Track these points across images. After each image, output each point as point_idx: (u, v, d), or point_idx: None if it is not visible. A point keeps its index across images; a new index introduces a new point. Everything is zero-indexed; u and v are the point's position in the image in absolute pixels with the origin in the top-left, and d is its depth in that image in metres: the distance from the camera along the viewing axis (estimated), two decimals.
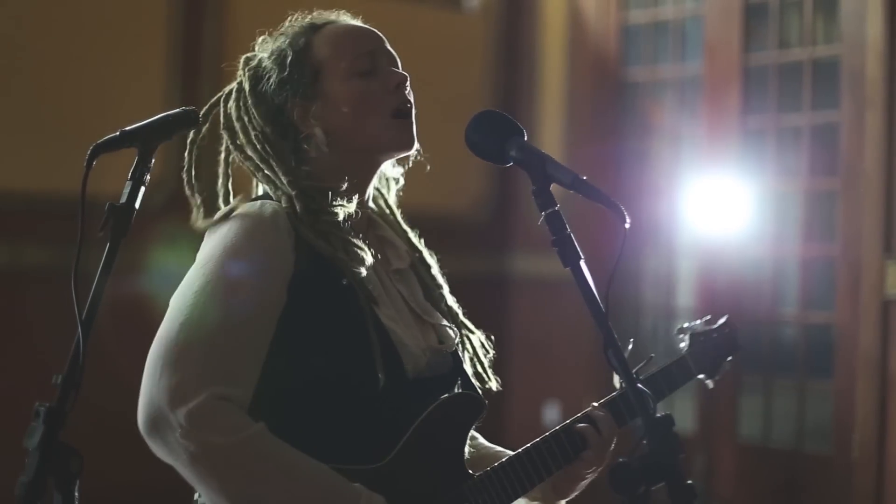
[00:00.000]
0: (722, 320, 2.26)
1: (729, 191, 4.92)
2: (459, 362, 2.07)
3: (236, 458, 1.77)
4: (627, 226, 1.69)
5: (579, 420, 2.03)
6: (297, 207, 1.93)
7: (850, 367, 4.45)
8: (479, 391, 2.08)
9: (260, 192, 2.07)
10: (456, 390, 2.03)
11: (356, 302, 1.91)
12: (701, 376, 2.22)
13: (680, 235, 5.16)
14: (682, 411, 4.97)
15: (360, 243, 1.96)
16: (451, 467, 1.94)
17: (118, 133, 1.69)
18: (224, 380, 1.79)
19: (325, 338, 1.89)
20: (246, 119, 2.03)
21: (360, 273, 1.94)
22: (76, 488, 1.59)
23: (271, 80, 2.02)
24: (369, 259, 1.96)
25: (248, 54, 2.09)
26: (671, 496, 1.61)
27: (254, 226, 1.90)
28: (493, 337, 2.14)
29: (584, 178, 1.71)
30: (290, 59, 2.02)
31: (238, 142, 2.03)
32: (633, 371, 1.74)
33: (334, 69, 2.01)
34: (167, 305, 1.88)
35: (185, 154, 2.05)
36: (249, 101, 2.03)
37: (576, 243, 1.72)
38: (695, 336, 2.21)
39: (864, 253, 4.41)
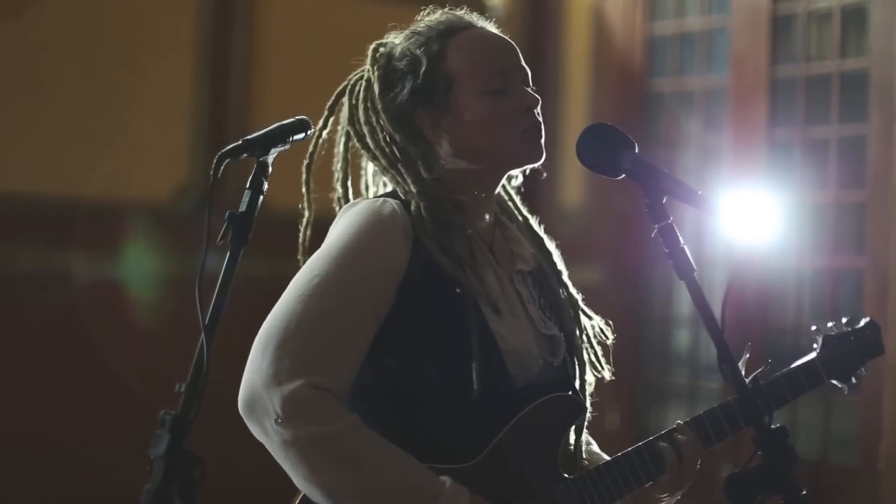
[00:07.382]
0: (864, 321, 2.17)
1: (756, 203, 4.91)
2: (570, 372, 2.07)
3: (327, 448, 1.81)
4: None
5: (662, 439, 2.00)
6: (425, 217, 1.94)
7: (876, 378, 4.46)
8: (584, 394, 2.07)
9: (371, 185, 2.12)
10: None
11: (466, 310, 1.92)
12: (834, 381, 2.13)
13: (706, 247, 5.17)
14: None
15: (482, 259, 1.98)
16: (543, 468, 1.96)
17: (241, 141, 1.74)
18: (322, 371, 1.83)
19: (429, 342, 1.92)
20: (374, 121, 2.03)
21: (476, 285, 1.94)
22: (198, 495, 1.61)
23: (404, 89, 2.01)
24: (491, 278, 1.97)
25: (378, 42, 2.07)
26: None
27: (370, 225, 1.93)
28: (611, 323, 2.14)
29: (700, 191, 1.73)
30: (423, 68, 2.00)
31: (366, 143, 2.05)
32: (754, 375, 1.75)
33: (467, 84, 2.00)
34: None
35: (307, 156, 2.10)
36: (379, 106, 2.03)
37: (689, 256, 1.73)
38: (828, 338, 2.13)
39: (891, 265, 4.42)
